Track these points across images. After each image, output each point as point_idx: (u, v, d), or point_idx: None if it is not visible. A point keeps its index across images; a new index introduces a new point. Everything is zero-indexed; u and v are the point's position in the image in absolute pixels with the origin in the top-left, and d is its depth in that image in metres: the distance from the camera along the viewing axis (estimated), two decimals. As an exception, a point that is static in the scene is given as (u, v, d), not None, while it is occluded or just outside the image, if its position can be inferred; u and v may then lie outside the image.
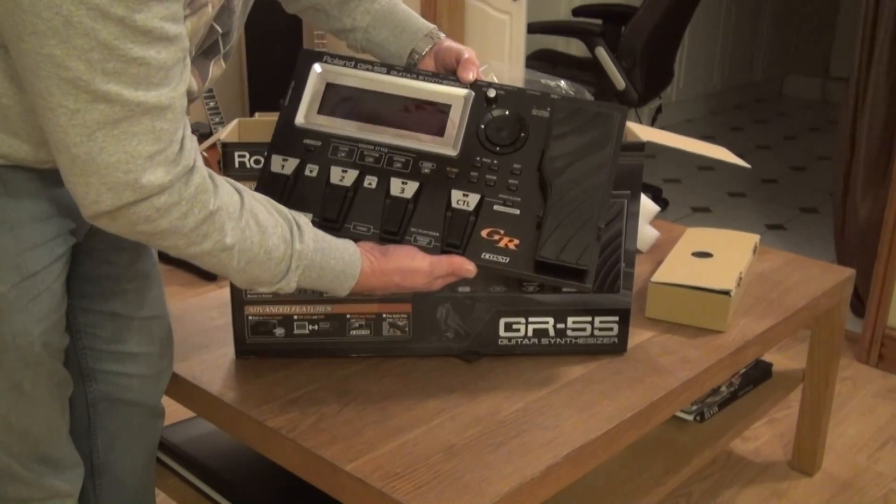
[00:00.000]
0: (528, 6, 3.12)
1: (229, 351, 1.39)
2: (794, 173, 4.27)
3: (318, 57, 1.22)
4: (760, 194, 3.94)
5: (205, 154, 3.00)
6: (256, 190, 1.16)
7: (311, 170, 1.17)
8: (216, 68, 1.12)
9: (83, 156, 0.84)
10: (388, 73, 1.19)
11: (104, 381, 1.22)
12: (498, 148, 1.11)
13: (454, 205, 1.09)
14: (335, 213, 1.14)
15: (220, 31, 1.07)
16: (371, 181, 1.14)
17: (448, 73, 1.22)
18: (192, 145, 0.93)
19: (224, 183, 0.99)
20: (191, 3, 0.95)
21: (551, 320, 1.38)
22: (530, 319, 1.38)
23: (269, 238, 1.01)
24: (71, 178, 0.87)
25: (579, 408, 1.25)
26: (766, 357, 1.86)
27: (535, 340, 1.37)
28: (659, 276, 1.54)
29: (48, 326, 1.04)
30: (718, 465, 1.98)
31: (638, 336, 1.47)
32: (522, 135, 1.12)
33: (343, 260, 1.08)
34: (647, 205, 1.82)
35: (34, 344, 1.02)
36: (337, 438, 1.17)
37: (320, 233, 1.08)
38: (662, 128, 1.73)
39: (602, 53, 3.28)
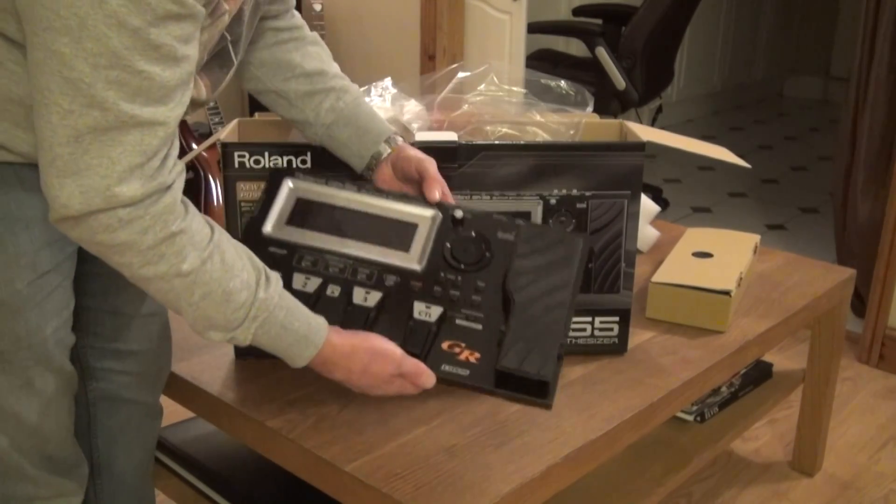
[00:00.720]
0: (528, 6, 3.12)
1: (229, 351, 1.39)
2: (794, 173, 4.27)
3: (290, 173, 1.23)
4: (761, 194, 3.94)
5: (205, 154, 3.00)
6: None
7: None
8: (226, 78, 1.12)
9: (66, 155, 0.84)
10: (358, 191, 1.21)
11: (104, 380, 1.22)
12: (463, 265, 1.13)
13: (416, 316, 1.10)
14: None
15: (229, 38, 1.07)
16: (334, 290, 1.13)
17: (407, 181, 1.21)
18: (175, 167, 0.92)
19: (198, 214, 0.97)
20: (212, 12, 0.95)
21: (551, 320, 1.37)
22: (530, 319, 1.37)
23: (232, 279, 0.98)
24: (47, 179, 0.87)
25: (579, 408, 1.25)
26: (767, 357, 1.86)
27: (536, 341, 1.37)
28: (659, 277, 1.54)
29: (60, 324, 1.04)
30: (719, 466, 1.98)
31: (638, 336, 1.47)
32: (487, 255, 1.14)
33: (308, 325, 1.04)
34: (648, 205, 1.82)
35: (47, 341, 1.02)
36: (337, 439, 1.17)
37: (289, 294, 1.05)
38: (663, 128, 1.73)
39: (602, 53, 3.28)
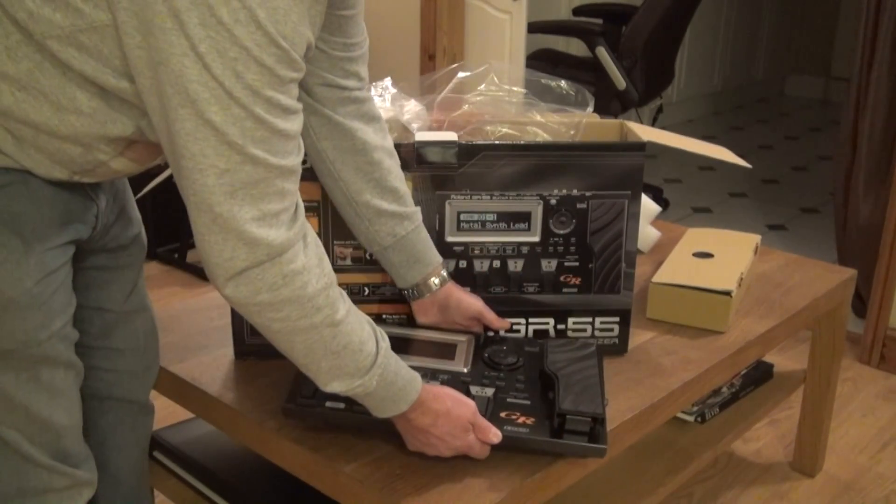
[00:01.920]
0: (529, 6, 3.11)
1: (228, 352, 1.39)
2: (795, 173, 4.26)
3: None
4: (761, 194, 3.94)
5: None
6: None
7: None
8: None
9: (225, 214, 0.91)
10: (401, 326, 1.35)
11: (93, 378, 1.22)
12: (502, 365, 1.27)
13: (473, 393, 1.20)
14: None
15: None
16: None
17: (449, 319, 1.32)
18: (302, 207, 0.99)
19: None
20: None
21: (552, 321, 1.37)
22: (531, 320, 1.37)
23: (363, 329, 1.04)
24: (209, 238, 0.93)
25: (580, 409, 1.24)
26: (768, 358, 1.86)
27: (536, 341, 1.38)
28: (660, 277, 1.54)
29: (66, 320, 1.07)
30: (719, 467, 1.98)
31: (639, 337, 1.47)
32: (521, 360, 1.29)
33: (408, 371, 1.10)
34: (648, 205, 1.82)
35: (53, 337, 1.05)
36: (336, 439, 1.16)
37: None
38: (663, 128, 1.73)
39: (603, 53, 3.28)
